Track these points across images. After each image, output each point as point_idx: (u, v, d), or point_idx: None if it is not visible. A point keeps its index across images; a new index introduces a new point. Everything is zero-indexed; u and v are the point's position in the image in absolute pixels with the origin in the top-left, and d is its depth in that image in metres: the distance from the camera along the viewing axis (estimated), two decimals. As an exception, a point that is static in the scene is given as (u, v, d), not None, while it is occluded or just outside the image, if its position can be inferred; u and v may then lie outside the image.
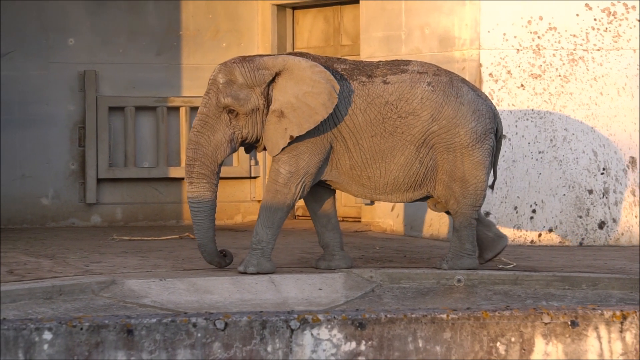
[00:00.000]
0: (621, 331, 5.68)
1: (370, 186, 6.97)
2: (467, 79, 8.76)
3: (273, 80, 6.81)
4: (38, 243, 8.65)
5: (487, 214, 8.68)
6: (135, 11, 10.44)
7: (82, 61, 10.25)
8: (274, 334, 5.44)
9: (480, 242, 7.17)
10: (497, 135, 7.08)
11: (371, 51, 9.51)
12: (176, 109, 10.36)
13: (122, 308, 6.16)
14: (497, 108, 8.73)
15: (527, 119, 8.76)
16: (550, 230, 8.78)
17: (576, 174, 8.79)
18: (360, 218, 10.27)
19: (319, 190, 7.11)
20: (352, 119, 6.86)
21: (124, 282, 6.53)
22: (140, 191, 10.40)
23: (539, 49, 8.79)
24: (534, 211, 8.77)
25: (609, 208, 8.81)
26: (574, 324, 5.67)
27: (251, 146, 7.04)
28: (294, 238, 9.16)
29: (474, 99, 6.95)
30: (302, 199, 7.03)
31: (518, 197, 8.76)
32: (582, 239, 8.80)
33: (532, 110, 8.78)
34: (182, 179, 10.45)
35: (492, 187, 7.30)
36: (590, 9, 8.81)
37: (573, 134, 8.79)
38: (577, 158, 8.78)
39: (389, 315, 5.54)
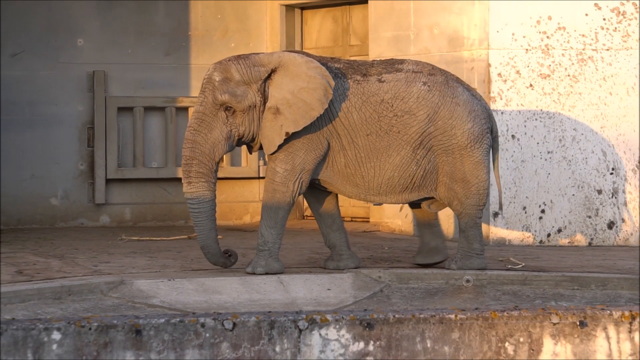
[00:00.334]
0: (630, 331, 5.67)
1: (364, 186, 6.93)
2: (476, 79, 8.76)
3: (269, 77, 6.78)
4: (47, 243, 8.67)
5: (496, 214, 8.68)
6: (144, 11, 10.45)
7: (91, 61, 10.27)
8: (282, 334, 5.44)
9: (420, 245, 7.16)
10: (492, 135, 7.07)
11: (380, 51, 9.51)
12: (185, 109, 10.37)
13: (131, 308, 6.16)
14: (506, 108, 8.74)
15: (536, 119, 8.75)
16: (559, 231, 8.77)
17: (585, 174, 8.77)
18: (368, 218, 10.27)
19: (320, 191, 7.09)
20: (347, 116, 6.84)
21: (132, 282, 6.54)
22: (149, 191, 10.41)
23: (547, 49, 8.77)
24: (542, 211, 8.76)
25: (618, 208, 8.79)
26: (582, 324, 5.65)
27: (247, 145, 6.98)
28: (302, 238, 9.16)
29: (469, 99, 6.94)
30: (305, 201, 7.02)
31: (527, 197, 8.74)
32: (591, 239, 8.78)
33: (541, 110, 8.77)
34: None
35: (500, 208, 7.31)
36: (600, 8, 8.80)
37: (582, 134, 8.78)
38: (586, 158, 8.77)
39: (397, 316, 5.53)
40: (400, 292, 6.74)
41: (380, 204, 9.71)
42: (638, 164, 8.83)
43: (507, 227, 8.71)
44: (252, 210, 10.65)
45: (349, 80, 6.86)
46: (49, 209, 10.19)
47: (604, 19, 8.80)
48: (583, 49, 8.79)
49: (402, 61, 7.02)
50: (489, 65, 8.74)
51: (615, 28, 8.80)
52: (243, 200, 10.66)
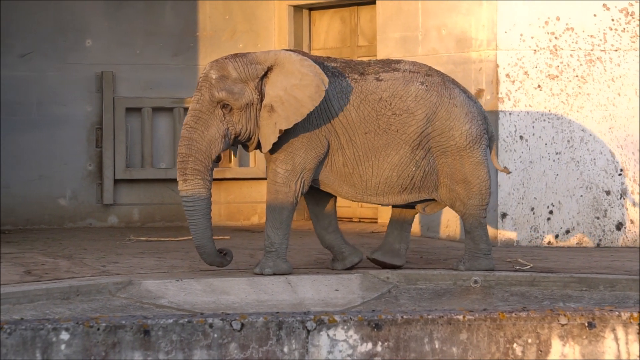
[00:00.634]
0: (639, 333, 5.66)
1: (362, 186, 6.91)
2: (484, 79, 8.76)
3: (265, 74, 6.77)
4: (56, 243, 8.68)
5: (504, 215, 8.67)
6: (152, 12, 10.46)
7: (99, 62, 10.29)
8: (290, 335, 5.44)
9: (384, 242, 7.15)
10: (488, 136, 7.06)
11: (388, 52, 9.51)
12: (193, 109, 10.36)
13: (139, 308, 6.17)
14: (514, 109, 8.73)
15: (544, 120, 8.74)
16: (568, 232, 8.76)
17: (593, 175, 8.76)
18: (377, 219, 10.27)
19: (320, 193, 7.08)
20: (345, 115, 6.82)
21: (140, 282, 6.54)
22: (157, 192, 10.42)
23: (556, 50, 8.76)
24: (551, 212, 8.75)
25: (627, 209, 8.78)
26: (591, 325, 5.65)
27: (242, 144, 6.96)
28: (310, 239, 9.16)
29: (466, 101, 6.94)
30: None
31: (535, 198, 8.73)
32: (600, 240, 8.77)
33: (549, 111, 8.76)
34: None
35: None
36: (608, 9, 8.78)
37: (590, 134, 8.76)
38: (594, 159, 8.76)
39: (405, 316, 5.53)
40: (408, 292, 6.74)
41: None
42: (646, 165, 8.82)
43: (515, 228, 8.70)
44: (260, 211, 10.65)
45: (347, 79, 6.85)
46: (58, 209, 10.21)
47: (613, 20, 8.78)
48: (591, 50, 8.78)
49: (398, 61, 7.02)
50: (497, 66, 8.73)
51: (624, 29, 8.79)
52: (251, 201, 10.66)
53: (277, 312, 5.54)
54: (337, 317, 5.48)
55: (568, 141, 8.75)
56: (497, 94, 8.71)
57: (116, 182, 10.28)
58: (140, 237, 9.02)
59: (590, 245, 8.75)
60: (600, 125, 8.77)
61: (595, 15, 8.78)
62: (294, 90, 6.70)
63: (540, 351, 5.60)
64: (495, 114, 8.71)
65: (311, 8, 10.86)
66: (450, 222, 8.99)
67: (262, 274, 6.80)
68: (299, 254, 7.94)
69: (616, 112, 8.79)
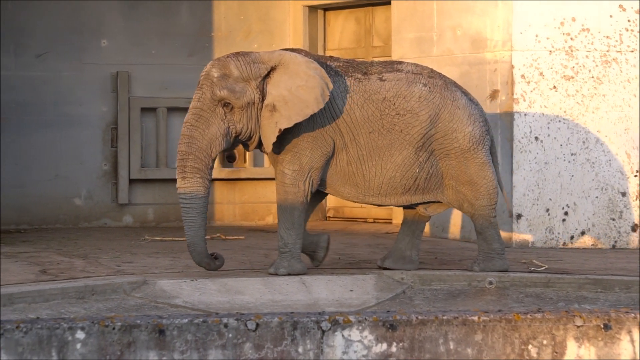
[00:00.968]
0: (649, 334, 5.64)
1: (364, 186, 6.90)
2: (499, 80, 8.74)
3: (268, 74, 6.76)
4: (71, 243, 8.71)
5: (519, 215, 8.65)
6: (167, 13, 10.48)
7: (114, 62, 10.31)
8: (305, 335, 5.44)
9: (394, 249, 7.12)
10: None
11: (403, 52, 9.50)
12: (208, 110, 10.37)
13: (154, 308, 6.18)
14: (529, 110, 8.71)
15: (560, 121, 8.72)
16: (583, 233, 8.73)
17: (609, 176, 8.73)
18: (391, 219, 10.26)
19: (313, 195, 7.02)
20: (349, 114, 6.82)
21: (155, 282, 6.56)
22: (171, 192, 10.41)
23: (571, 51, 8.74)
24: (566, 213, 8.73)
25: (642, 210, 8.76)
26: (606, 327, 5.63)
27: (243, 144, 6.94)
28: (324, 239, 9.15)
29: (468, 103, 6.95)
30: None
31: (550, 199, 8.72)
32: (615, 241, 8.75)
33: (565, 112, 8.73)
34: (214, 179, 10.50)
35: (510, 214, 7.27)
36: (624, 10, 8.76)
37: (606, 135, 8.74)
38: (609, 160, 8.73)
39: (420, 317, 5.53)
40: (422, 293, 6.73)
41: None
42: (662, 166, 8.79)
43: (530, 229, 8.69)
44: (275, 211, 10.62)
45: (350, 79, 6.85)
46: (73, 209, 10.24)
47: (629, 21, 8.76)
48: (607, 51, 8.75)
49: (400, 62, 7.03)
50: (512, 66, 8.72)
51: (640, 30, 8.77)
52: (266, 201, 10.67)
53: (292, 312, 5.54)
54: (352, 318, 5.48)
55: (583, 142, 8.72)
56: (512, 94, 8.70)
57: (131, 182, 10.30)
58: (155, 237, 9.04)
59: (605, 246, 8.73)
60: (615, 126, 8.75)
61: (611, 16, 8.76)
62: (300, 91, 6.70)
63: (556, 352, 5.58)
64: (510, 115, 8.69)
65: (326, 8, 10.86)
66: (464, 223, 8.98)
67: (276, 274, 6.80)
68: (314, 254, 7.93)
69: (632, 114, 8.76)
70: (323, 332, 5.46)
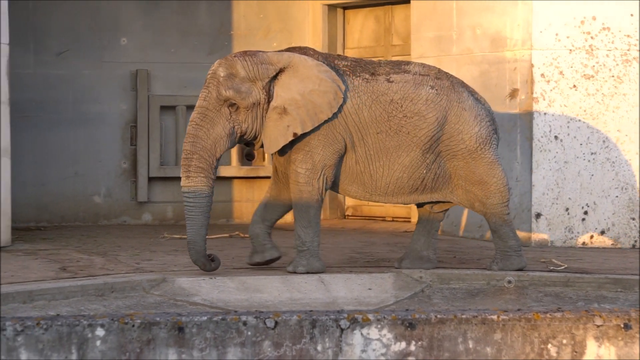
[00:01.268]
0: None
1: (371, 185, 6.89)
2: (518, 79, 8.72)
3: (276, 76, 6.75)
4: (90, 241, 8.74)
5: (539, 215, 8.63)
6: (187, 11, 10.50)
7: (134, 60, 10.34)
8: (324, 333, 5.44)
9: (410, 250, 7.11)
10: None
11: (422, 51, 9.49)
12: (227, 108, 10.39)
13: (173, 306, 6.19)
14: (549, 109, 8.69)
15: (579, 120, 8.70)
16: (603, 232, 8.70)
17: (629, 176, 8.70)
18: (409, 218, 10.25)
19: (283, 197, 7.02)
20: (357, 113, 6.81)
21: (174, 280, 6.57)
22: (191, 190, 10.44)
23: (592, 50, 8.71)
24: (585, 213, 8.70)
25: (663, 210, 8.72)
26: (626, 326, 5.61)
27: (248, 143, 6.93)
28: (343, 238, 9.16)
29: (474, 104, 6.94)
30: (320, 197, 6.89)
31: (570, 198, 8.69)
32: (635, 241, 8.71)
33: (585, 111, 8.70)
34: (233, 178, 10.53)
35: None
36: (645, 8, 8.73)
37: (626, 135, 8.70)
38: (630, 159, 8.70)
39: (439, 316, 5.52)
40: (441, 292, 6.72)
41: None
42: (683, 166, 8.75)
43: (550, 229, 8.66)
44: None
45: (358, 79, 6.84)
46: (92, 206, 10.28)
47: (649, 20, 8.72)
48: (628, 50, 8.72)
49: (408, 62, 7.02)
50: (532, 65, 8.69)
51: (661, 28, 8.73)
52: (284, 200, 10.66)
53: (311, 311, 5.55)
54: (370, 316, 5.47)
55: (603, 141, 8.69)
56: (532, 93, 8.67)
57: (150, 179, 10.32)
58: (173, 235, 9.05)
59: (625, 246, 8.69)
60: (636, 125, 8.71)
61: (632, 15, 8.72)
62: (312, 96, 6.70)
63: (575, 352, 5.57)
64: (530, 114, 8.67)
65: (345, 7, 10.85)
66: (483, 222, 8.95)
67: (295, 272, 6.81)
68: (332, 252, 7.94)
69: (652, 113, 8.73)
70: (342, 330, 5.46)
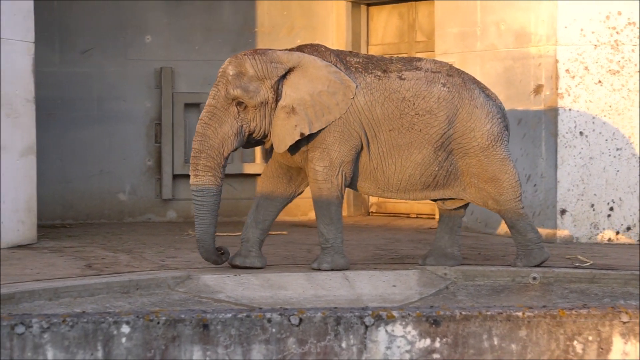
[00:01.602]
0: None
1: (384, 182, 6.90)
2: (543, 75, 8.68)
3: (285, 75, 6.75)
4: (115, 238, 8.77)
5: (564, 211, 8.59)
6: (210, 9, 10.52)
7: (158, 58, 10.37)
8: (349, 330, 5.44)
9: (434, 247, 7.10)
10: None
11: (446, 47, 9.47)
12: (251, 105, 10.40)
13: (198, 303, 6.21)
14: (574, 105, 8.64)
15: (605, 116, 8.65)
16: (628, 229, 8.66)
17: (655, 172, 8.65)
18: (434, 215, 10.23)
19: (280, 189, 7.02)
20: (370, 110, 6.81)
21: (199, 277, 6.59)
22: (215, 187, 10.46)
23: (617, 45, 8.66)
24: (611, 209, 8.66)
25: (689, 206, 8.66)
26: (653, 323, 5.57)
27: (258, 142, 6.92)
28: (367, 234, 9.16)
29: (486, 101, 6.93)
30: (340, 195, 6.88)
31: (595, 194, 8.65)
32: (661, 237, 8.67)
33: (610, 106, 8.66)
34: (258, 175, 10.54)
35: None
36: (671, 3, 8.67)
37: (652, 130, 8.66)
38: (656, 155, 8.65)
39: (463, 313, 5.50)
40: (466, 289, 6.71)
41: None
42: None
43: (575, 225, 8.63)
44: (317, 207, 10.64)
45: (370, 76, 6.84)
46: (117, 204, 10.32)
47: (675, 14, 8.66)
48: (653, 45, 8.67)
49: (419, 59, 7.01)
50: (557, 61, 8.66)
51: (687, 23, 8.67)
52: (308, 196, 10.58)
53: (335, 308, 5.54)
54: (395, 313, 5.47)
55: (629, 137, 8.64)
56: (557, 89, 8.63)
57: (175, 177, 10.35)
58: (198, 232, 9.06)
59: (651, 242, 8.65)
60: (662, 121, 8.66)
61: (657, 9, 8.67)
62: (322, 96, 6.70)
63: (601, 349, 5.54)
64: (555, 110, 8.63)
65: (369, 4, 10.85)
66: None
67: (319, 270, 6.81)
68: (357, 249, 7.94)
69: (678, 108, 8.67)
70: (366, 327, 5.46)
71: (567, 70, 8.65)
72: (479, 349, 5.50)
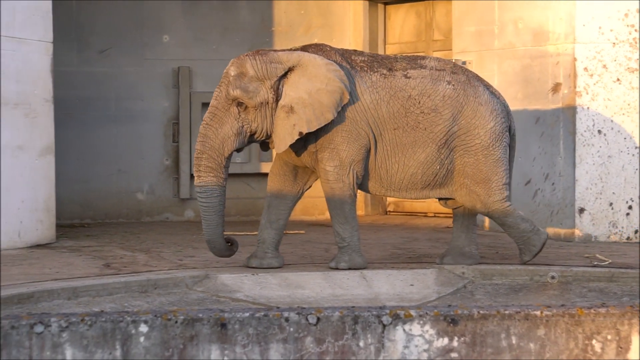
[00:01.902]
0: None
1: (387, 180, 6.90)
2: (561, 73, 8.66)
3: (285, 75, 6.74)
4: (134, 237, 8.80)
5: (582, 210, 8.57)
6: (228, 8, 10.54)
7: (176, 58, 10.39)
8: (366, 329, 5.44)
9: (451, 246, 7.08)
10: (510, 133, 7.01)
11: (463, 46, 9.45)
12: (268, 104, 10.41)
13: (216, 302, 6.22)
14: (592, 103, 8.61)
15: (623, 114, 8.62)
16: (647, 227, 8.63)
17: (674, 170, 8.61)
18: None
19: (289, 187, 7.02)
20: (376, 109, 6.81)
21: (217, 276, 6.60)
22: (232, 186, 10.47)
23: (635, 43, 8.63)
24: (630, 207, 8.62)
25: None
26: (672, 322, 5.55)
27: (264, 142, 6.92)
28: (385, 234, 9.15)
29: (490, 98, 6.92)
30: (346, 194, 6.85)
31: (614, 193, 8.61)
32: (680, 236, 8.62)
33: (629, 105, 8.62)
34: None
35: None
36: (689, 1, 8.63)
37: (671, 129, 8.62)
38: (675, 153, 8.61)
39: (482, 312, 5.49)
40: (483, 288, 6.70)
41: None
42: None
43: (594, 224, 8.60)
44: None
45: (376, 74, 6.84)
46: (135, 203, 10.34)
47: (694, 12, 8.62)
48: (672, 43, 8.62)
49: (423, 57, 7.01)
50: (575, 59, 8.63)
51: None
52: (326, 196, 10.67)
53: (353, 307, 5.54)
54: (413, 312, 5.46)
55: (648, 135, 8.61)
56: (575, 87, 8.61)
57: (192, 176, 10.34)
58: (216, 231, 9.07)
59: (670, 241, 8.61)
60: (681, 119, 8.62)
61: (676, 7, 8.63)
62: (320, 95, 6.68)
63: (620, 348, 5.52)
64: (573, 108, 8.60)
65: (386, 2, 10.84)
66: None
67: (337, 269, 6.81)
68: (374, 248, 7.93)
69: (697, 106, 8.63)
70: (384, 326, 5.45)
71: (586, 69, 8.62)
72: (497, 348, 5.49)
